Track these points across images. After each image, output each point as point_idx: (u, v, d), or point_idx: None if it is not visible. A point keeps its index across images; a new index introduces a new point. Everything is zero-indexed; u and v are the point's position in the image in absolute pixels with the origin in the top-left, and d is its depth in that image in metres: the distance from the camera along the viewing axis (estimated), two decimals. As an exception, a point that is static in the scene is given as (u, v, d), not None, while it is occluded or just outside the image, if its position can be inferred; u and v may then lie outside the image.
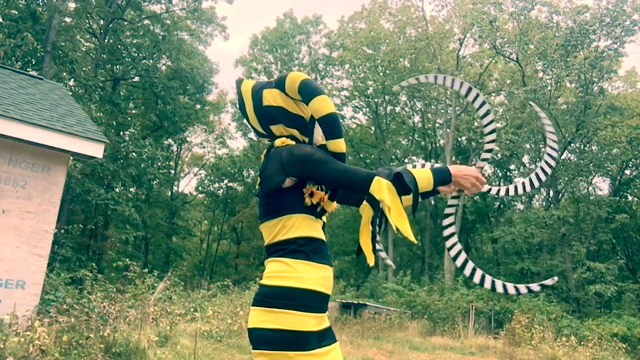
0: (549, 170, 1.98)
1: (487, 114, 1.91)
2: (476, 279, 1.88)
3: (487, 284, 1.86)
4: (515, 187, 2.01)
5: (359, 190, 1.60)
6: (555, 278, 1.96)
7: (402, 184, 1.56)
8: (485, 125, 1.93)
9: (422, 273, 29.55)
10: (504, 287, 1.83)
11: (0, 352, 4.66)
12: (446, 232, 1.97)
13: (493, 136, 1.94)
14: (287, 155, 1.63)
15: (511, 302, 17.09)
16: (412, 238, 1.53)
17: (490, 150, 1.94)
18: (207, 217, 39.31)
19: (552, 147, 2.01)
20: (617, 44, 22.52)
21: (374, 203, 1.58)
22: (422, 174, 1.62)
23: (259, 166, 1.79)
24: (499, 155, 30.18)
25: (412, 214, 1.63)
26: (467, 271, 1.89)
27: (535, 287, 1.81)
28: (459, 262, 1.91)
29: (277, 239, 1.65)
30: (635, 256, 27.41)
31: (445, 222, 2.01)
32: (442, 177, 1.66)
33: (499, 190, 2.01)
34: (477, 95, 1.93)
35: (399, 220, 1.54)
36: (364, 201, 1.69)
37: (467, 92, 1.95)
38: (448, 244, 1.94)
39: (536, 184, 1.98)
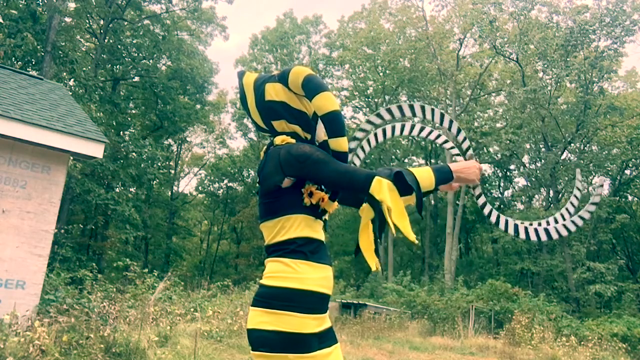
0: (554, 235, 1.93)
1: (459, 131, 1.93)
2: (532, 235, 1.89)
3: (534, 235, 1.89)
4: (506, 223, 1.95)
5: (359, 191, 1.57)
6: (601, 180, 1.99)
7: (404, 184, 1.53)
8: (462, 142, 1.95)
9: (422, 273, 29.56)
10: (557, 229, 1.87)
11: (0, 352, 4.66)
12: (486, 210, 1.97)
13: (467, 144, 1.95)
14: (285, 154, 1.60)
15: (511, 302, 17.08)
16: (413, 238, 1.49)
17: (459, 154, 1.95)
18: (207, 217, 39.31)
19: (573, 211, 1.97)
20: (617, 44, 22.53)
21: (375, 204, 1.54)
22: (424, 173, 1.58)
23: (259, 164, 1.76)
24: (498, 155, 30.19)
25: (419, 214, 1.60)
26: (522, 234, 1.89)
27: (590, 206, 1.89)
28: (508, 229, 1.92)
29: (276, 239, 1.62)
30: (635, 256, 27.40)
31: (480, 202, 2.01)
32: (443, 176, 1.63)
33: (505, 223, 1.96)
34: (443, 115, 1.93)
35: (400, 221, 1.50)
36: (364, 202, 1.66)
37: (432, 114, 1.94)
38: (492, 218, 1.95)
39: (543, 237, 1.92)
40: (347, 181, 1.56)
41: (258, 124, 1.81)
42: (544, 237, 1.87)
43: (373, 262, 1.60)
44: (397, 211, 1.51)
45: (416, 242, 1.57)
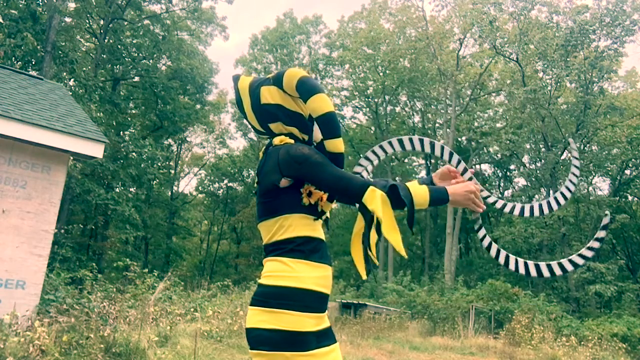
0: (562, 201, 1.93)
1: (459, 162, 1.90)
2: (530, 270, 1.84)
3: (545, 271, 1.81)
4: (522, 208, 1.94)
5: (353, 198, 1.59)
6: (607, 214, 1.85)
7: (397, 197, 1.53)
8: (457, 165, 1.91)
9: (422, 273, 29.54)
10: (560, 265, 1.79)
11: (0, 352, 4.66)
12: (485, 242, 1.93)
13: (467, 175, 1.88)
14: (284, 154, 1.61)
15: (511, 302, 17.09)
16: (402, 252, 1.50)
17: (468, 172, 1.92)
18: (207, 217, 39.32)
19: (572, 179, 1.95)
20: (617, 44, 22.52)
21: (365, 213, 1.56)
22: (419, 189, 1.57)
23: (258, 164, 1.77)
24: (498, 155, 30.18)
25: (410, 230, 1.59)
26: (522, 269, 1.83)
27: (601, 234, 1.78)
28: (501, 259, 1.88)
29: (275, 238, 1.63)
30: (635, 256, 27.40)
31: (480, 233, 1.96)
32: (439, 196, 1.61)
33: (512, 208, 1.95)
34: (442, 147, 1.90)
35: (391, 233, 1.51)
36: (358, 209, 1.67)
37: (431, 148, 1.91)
38: (484, 243, 1.90)
39: (546, 210, 1.92)
40: (342, 186, 1.57)
41: (255, 127, 1.81)
42: (546, 273, 1.81)
43: (363, 271, 1.63)
44: (388, 224, 1.52)
45: (405, 256, 1.58)
